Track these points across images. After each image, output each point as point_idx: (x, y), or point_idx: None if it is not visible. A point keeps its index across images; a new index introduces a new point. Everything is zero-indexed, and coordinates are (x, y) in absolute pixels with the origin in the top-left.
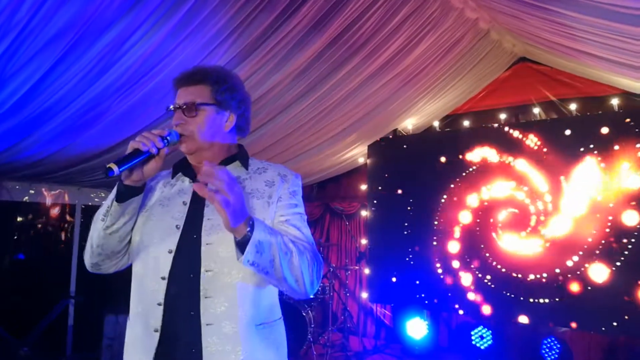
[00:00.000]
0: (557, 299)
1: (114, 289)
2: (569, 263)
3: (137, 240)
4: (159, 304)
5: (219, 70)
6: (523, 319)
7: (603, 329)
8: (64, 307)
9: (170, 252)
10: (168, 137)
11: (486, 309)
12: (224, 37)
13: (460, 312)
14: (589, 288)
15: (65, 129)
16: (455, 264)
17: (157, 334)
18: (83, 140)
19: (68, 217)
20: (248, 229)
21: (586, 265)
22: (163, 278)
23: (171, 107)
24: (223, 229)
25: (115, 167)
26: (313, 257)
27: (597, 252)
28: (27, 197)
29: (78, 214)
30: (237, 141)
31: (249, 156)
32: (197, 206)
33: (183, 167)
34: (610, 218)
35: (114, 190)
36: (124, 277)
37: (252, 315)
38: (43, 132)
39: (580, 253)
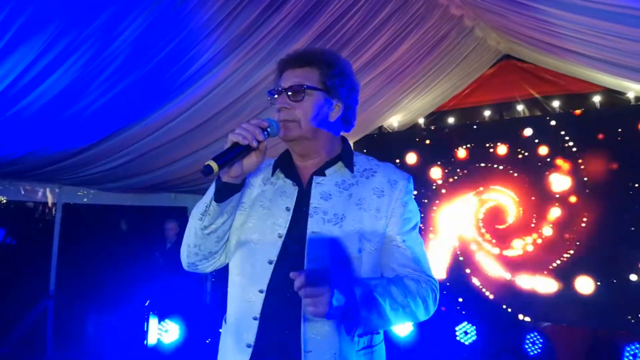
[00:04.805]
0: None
1: (94, 288)
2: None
3: (234, 242)
4: (255, 319)
5: (330, 53)
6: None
7: None
8: (44, 308)
9: (270, 262)
10: (268, 129)
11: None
12: (209, 32)
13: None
14: None
15: (45, 126)
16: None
17: (250, 350)
18: (62, 138)
19: (49, 215)
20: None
21: None
22: (261, 291)
23: (275, 90)
24: (328, 245)
25: (214, 164)
26: (428, 289)
27: None
28: (6, 195)
29: (59, 212)
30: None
31: (354, 152)
32: (300, 214)
33: (284, 165)
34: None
35: (212, 188)
36: (104, 276)
37: (354, 339)
38: (22, 130)
39: None
